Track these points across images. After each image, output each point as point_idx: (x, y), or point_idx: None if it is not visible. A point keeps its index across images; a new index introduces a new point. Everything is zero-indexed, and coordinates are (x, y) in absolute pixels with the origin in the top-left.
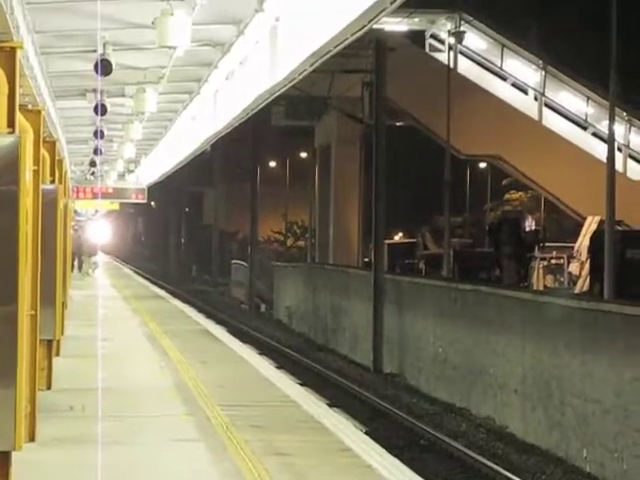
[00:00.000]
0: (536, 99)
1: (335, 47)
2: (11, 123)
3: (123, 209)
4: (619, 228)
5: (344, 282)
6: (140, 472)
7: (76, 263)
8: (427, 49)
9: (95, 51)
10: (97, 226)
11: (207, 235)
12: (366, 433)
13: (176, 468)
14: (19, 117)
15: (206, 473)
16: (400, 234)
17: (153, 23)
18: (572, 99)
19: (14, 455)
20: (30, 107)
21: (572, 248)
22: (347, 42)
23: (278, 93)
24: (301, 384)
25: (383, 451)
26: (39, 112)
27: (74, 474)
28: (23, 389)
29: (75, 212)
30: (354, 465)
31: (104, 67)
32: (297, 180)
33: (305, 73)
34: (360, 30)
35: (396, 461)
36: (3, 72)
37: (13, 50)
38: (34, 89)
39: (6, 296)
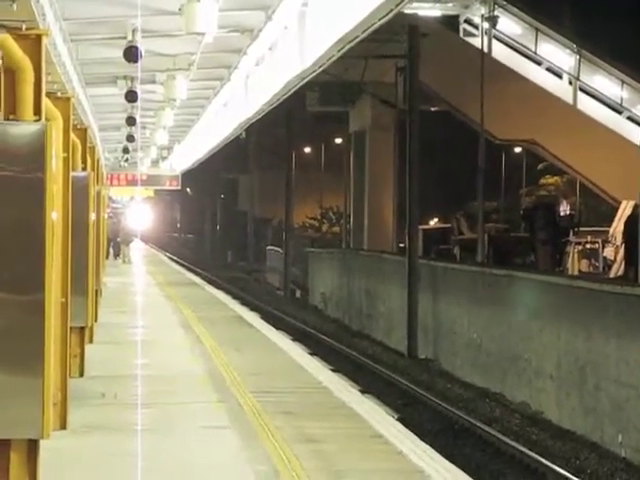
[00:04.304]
0: (571, 83)
1: (362, 32)
2: (37, 110)
3: (158, 196)
4: None
5: (379, 268)
6: (171, 459)
7: (111, 250)
8: (461, 34)
9: (124, 38)
10: (133, 213)
11: (242, 221)
12: (399, 419)
13: (206, 455)
14: (48, 104)
15: (236, 460)
16: (435, 219)
17: (180, 9)
18: (607, 83)
19: (45, 443)
20: (59, 94)
21: (607, 232)
22: (374, 27)
23: (308, 79)
24: (334, 370)
25: (415, 437)
26: (68, 99)
27: (105, 462)
28: (51, 377)
29: (110, 199)
30: (385, 452)
31: (136, 54)
32: (332, 166)
33: (333, 59)
34: (387, 15)
35: (428, 447)
36: (29, 59)
37: (39, 37)
38: (63, 76)
39: (33, 284)
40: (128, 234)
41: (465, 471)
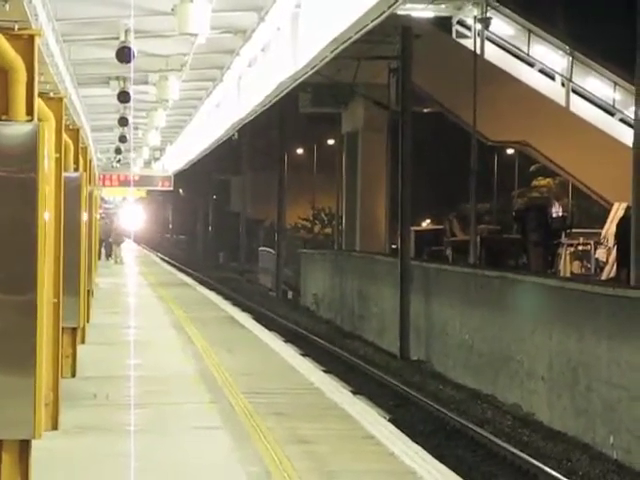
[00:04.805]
0: (563, 85)
1: (355, 33)
2: (30, 111)
3: (151, 197)
4: None
5: (371, 269)
6: (163, 460)
7: (103, 250)
8: (454, 35)
9: (117, 38)
10: (125, 214)
11: (234, 222)
12: (391, 420)
13: (199, 456)
14: (41, 105)
15: (228, 460)
16: (427, 221)
17: (173, 10)
18: (599, 85)
19: (36, 443)
20: (52, 95)
21: (599, 234)
22: (367, 28)
23: (300, 80)
24: (326, 371)
25: (407, 439)
26: (61, 100)
27: (97, 462)
28: (43, 377)
29: (102, 200)
30: (377, 453)
31: (129, 54)
32: (324, 167)
33: (326, 60)
34: (380, 16)
35: (419, 449)
36: (22, 60)
37: (31, 38)
38: (55, 77)
39: (25, 284)
40: (119, 235)
41: (457, 472)
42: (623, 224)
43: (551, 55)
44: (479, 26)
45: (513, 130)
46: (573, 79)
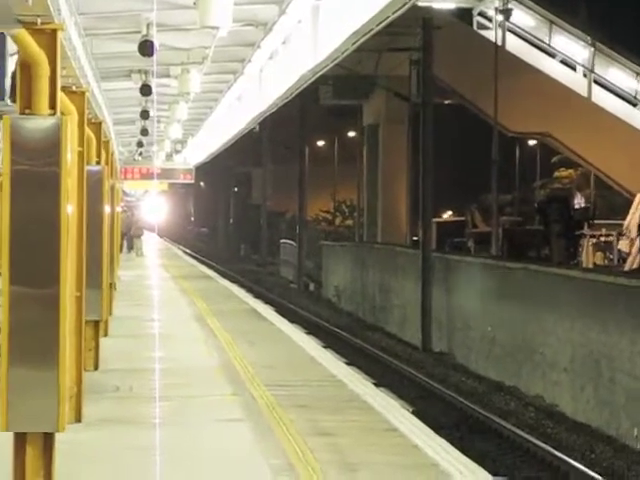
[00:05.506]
0: (585, 76)
1: (377, 25)
2: (52, 105)
3: (172, 190)
4: None
5: (392, 261)
6: (186, 452)
7: (125, 243)
8: (475, 27)
9: (139, 32)
10: (147, 207)
11: (256, 215)
12: (413, 412)
13: (221, 448)
14: (63, 99)
15: (251, 453)
16: (449, 212)
17: (194, 3)
18: (622, 75)
19: (60, 436)
20: (74, 88)
21: (622, 225)
22: (388, 20)
23: (321, 72)
24: (348, 363)
25: (430, 431)
26: (83, 93)
27: (119, 454)
28: (66, 370)
29: (124, 193)
30: (400, 445)
31: (151, 48)
32: (346, 159)
33: (347, 52)
34: (401, 8)
35: (443, 441)
36: (44, 54)
37: (54, 32)
38: (77, 71)
39: (48, 278)
40: (139, 227)
41: (480, 465)
42: None
43: (573, 46)
44: (500, 17)
45: (534, 121)
46: (595, 70)
